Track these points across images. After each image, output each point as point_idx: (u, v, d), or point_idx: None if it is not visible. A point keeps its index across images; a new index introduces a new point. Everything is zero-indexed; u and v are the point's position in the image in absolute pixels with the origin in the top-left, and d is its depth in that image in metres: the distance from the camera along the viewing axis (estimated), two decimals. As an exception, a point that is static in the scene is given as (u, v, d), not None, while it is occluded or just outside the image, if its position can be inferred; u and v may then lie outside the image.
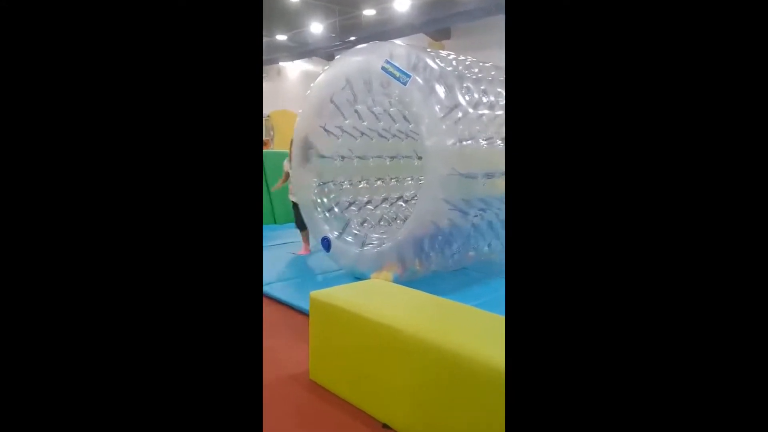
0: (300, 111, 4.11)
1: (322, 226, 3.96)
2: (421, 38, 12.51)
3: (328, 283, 3.55)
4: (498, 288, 3.58)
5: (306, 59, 17.67)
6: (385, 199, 4.57)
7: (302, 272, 4.02)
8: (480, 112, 3.36)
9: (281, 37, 14.69)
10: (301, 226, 4.47)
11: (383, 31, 12.17)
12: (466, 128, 3.22)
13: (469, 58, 3.86)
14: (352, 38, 13.06)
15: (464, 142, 3.20)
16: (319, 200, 4.07)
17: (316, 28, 13.06)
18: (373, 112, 4.22)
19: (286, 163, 4.41)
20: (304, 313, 3.09)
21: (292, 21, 12.95)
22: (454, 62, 3.57)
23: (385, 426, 1.98)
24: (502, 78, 3.78)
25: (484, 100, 3.46)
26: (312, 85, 3.99)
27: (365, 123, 4.25)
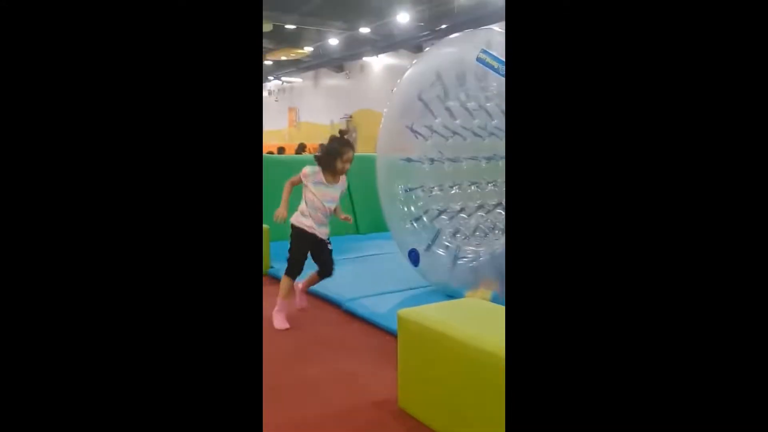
0: (384, 110, 4.17)
1: (408, 237, 3.99)
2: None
3: (417, 300, 3.56)
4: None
5: (391, 53, 17.93)
6: (480, 207, 4.46)
7: (388, 287, 4.06)
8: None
9: (364, 30, 15.02)
10: (296, 270, 3.50)
11: (479, 16, 12.07)
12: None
13: None
14: (443, 26, 13.08)
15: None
16: (405, 209, 4.10)
17: (403, 17, 13.22)
18: (466, 108, 4.14)
19: (307, 168, 3.48)
20: (392, 333, 3.11)
21: (376, 11, 13.20)
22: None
23: (484, 465, 1.94)
24: None
25: None
26: (398, 81, 4.03)
27: (458, 121, 4.20)
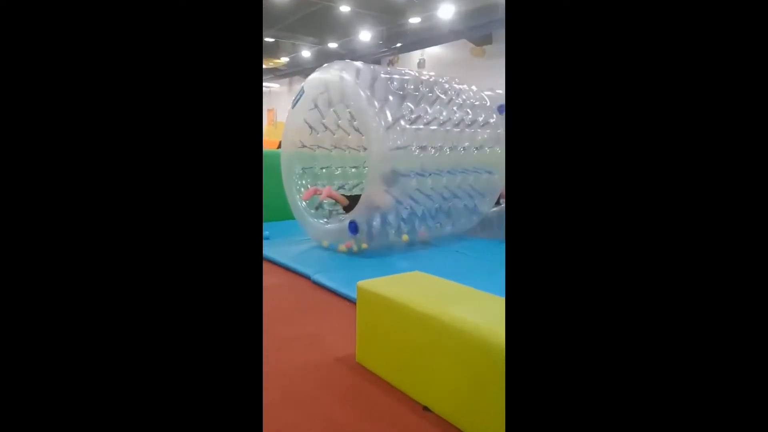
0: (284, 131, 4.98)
1: (297, 208, 4.84)
2: (464, 44, 12.29)
3: (367, 272, 3.55)
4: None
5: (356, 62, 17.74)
6: (341, 187, 5.48)
7: (346, 263, 4.04)
8: (415, 126, 4.08)
9: (332, 45, 14.77)
10: None
11: (427, 37, 12.02)
12: (402, 137, 3.98)
13: (425, 77, 4.58)
14: (398, 45, 12.99)
15: (400, 149, 3.94)
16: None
17: (365, 36, 13.05)
18: (339, 126, 5.14)
19: None
20: (351, 300, 3.10)
21: (343, 30, 13.00)
22: (405, 83, 4.27)
23: (425, 408, 1.96)
24: (449, 96, 4.52)
25: (428, 113, 4.24)
26: (290, 109, 4.84)
27: (336, 135, 5.21)
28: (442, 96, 4.40)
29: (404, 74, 4.41)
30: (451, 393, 1.86)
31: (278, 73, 21.36)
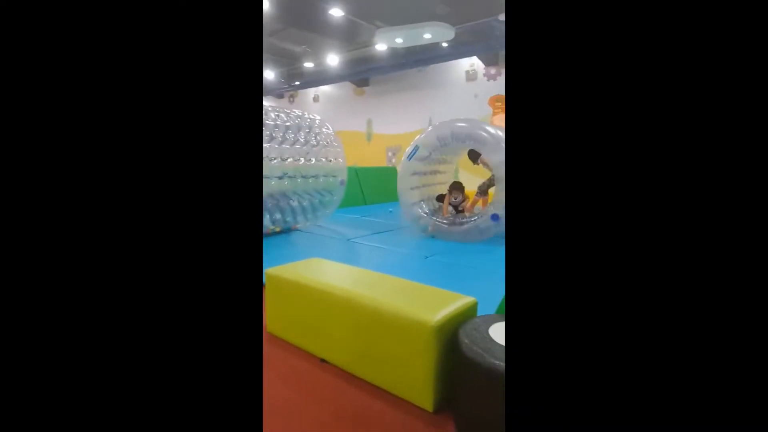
0: None
1: None
2: (347, 85, 12.50)
3: (274, 261, 3.51)
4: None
5: (264, 98, 17.10)
6: None
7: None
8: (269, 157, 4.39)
9: (241, 81, 14.09)
10: None
11: (319, 79, 12.03)
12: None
13: (281, 117, 4.93)
14: (297, 83, 12.81)
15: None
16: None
17: (269, 74, 12.70)
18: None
19: None
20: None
21: (250, 68, 12.49)
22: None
23: (322, 360, 2.02)
24: (305, 127, 4.85)
25: (276, 147, 4.49)
26: None
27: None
28: (292, 125, 4.87)
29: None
30: (342, 347, 1.93)
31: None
